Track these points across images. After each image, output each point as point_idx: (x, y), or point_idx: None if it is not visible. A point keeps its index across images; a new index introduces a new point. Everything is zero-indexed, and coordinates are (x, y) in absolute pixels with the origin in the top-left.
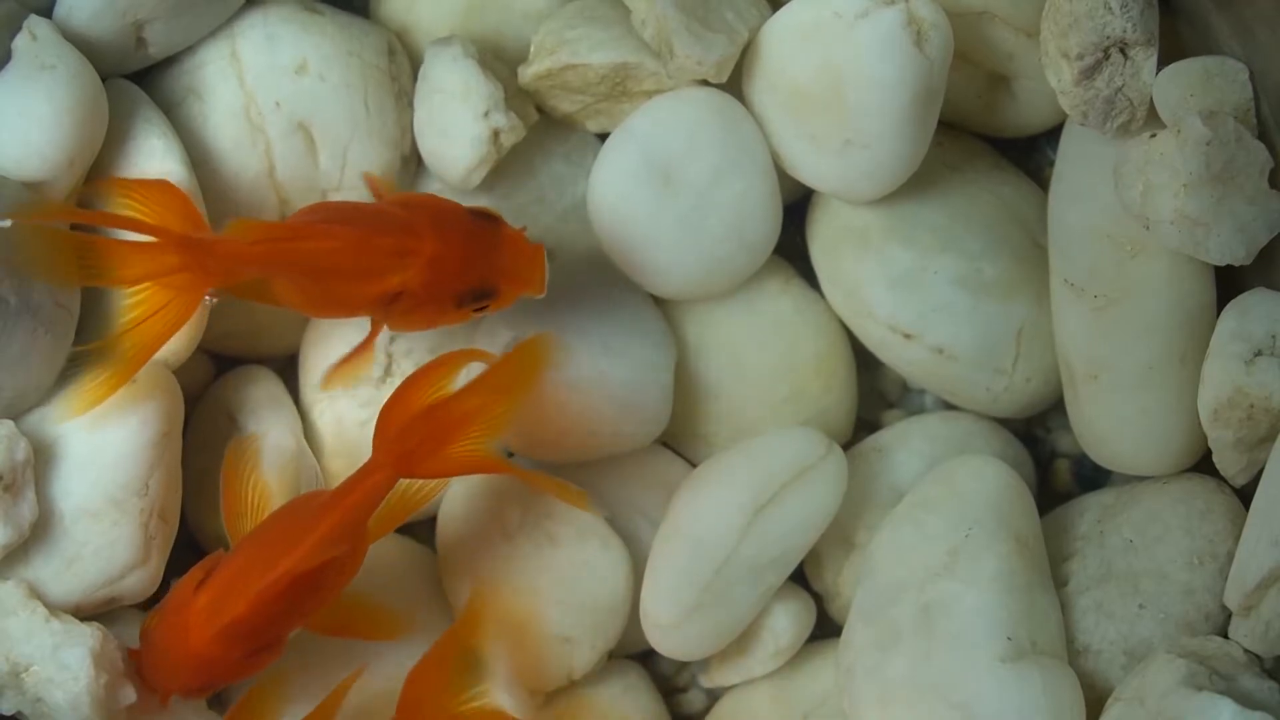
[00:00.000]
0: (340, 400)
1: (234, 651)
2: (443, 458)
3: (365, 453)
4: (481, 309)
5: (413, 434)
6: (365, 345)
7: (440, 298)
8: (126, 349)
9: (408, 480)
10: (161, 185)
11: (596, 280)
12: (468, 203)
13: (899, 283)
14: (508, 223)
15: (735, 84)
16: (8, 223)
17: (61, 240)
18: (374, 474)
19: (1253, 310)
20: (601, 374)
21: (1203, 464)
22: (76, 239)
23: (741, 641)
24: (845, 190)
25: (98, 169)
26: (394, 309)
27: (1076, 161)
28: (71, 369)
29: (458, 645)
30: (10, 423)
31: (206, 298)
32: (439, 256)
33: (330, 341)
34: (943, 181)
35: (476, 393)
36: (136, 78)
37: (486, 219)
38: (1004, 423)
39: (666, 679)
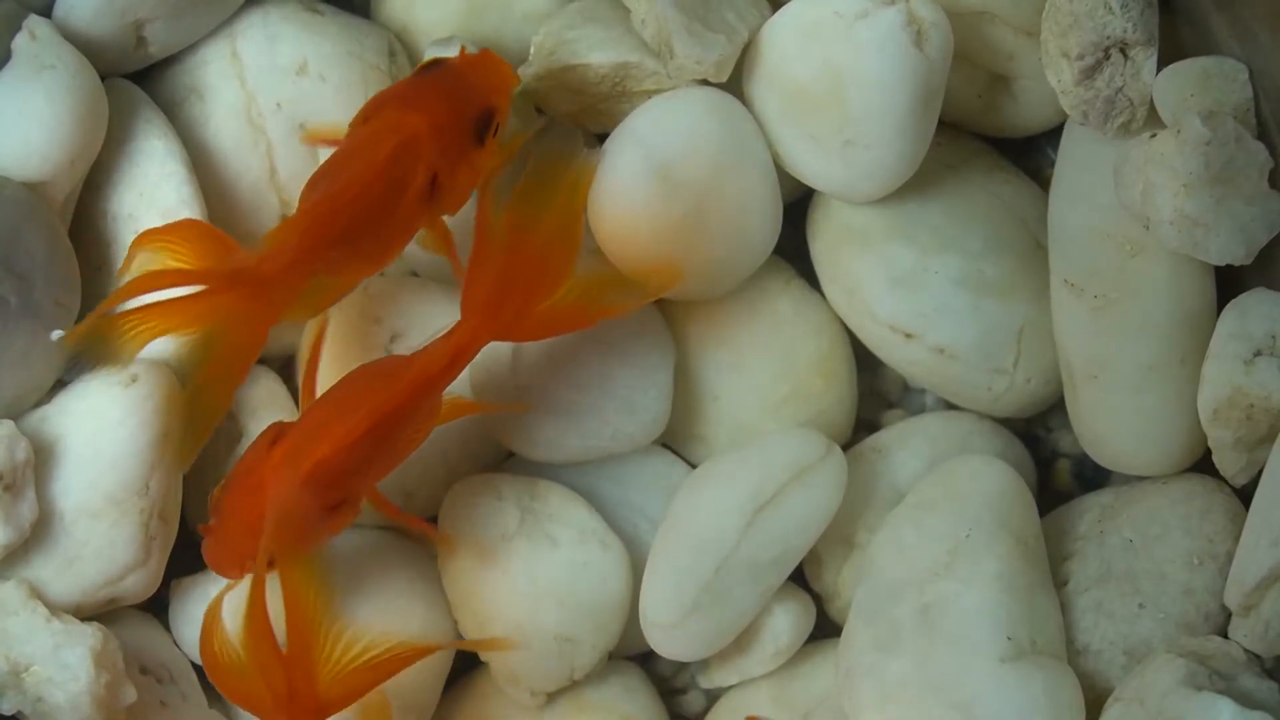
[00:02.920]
0: None
1: (314, 502)
2: (533, 320)
3: None
4: (496, 131)
5: (500, 295)
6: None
7: (461, 150)
8: (205, 397)
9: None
10: (188, 224)
11: None
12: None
13: (899, 283)
14: (448, 56)
15: (735, 84)
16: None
17: (123, 325)
18: (461, 336)
19: (1252, 310)
20: (601, 374)
21: (1203, 464)
22: (136, 317)
23: (741, 642)
24: (845, 190)
25: (98, 169)
26: (437, 196)
27: (1076, 161)
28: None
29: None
30: (10, 423)
31: None
32: (433, 122)
33: (336, 339)
34: (943, 181)
35: (555, 238)
36: (136, 77)
37: (435, 66)
38: (1004, 423)
39: (666, 679)
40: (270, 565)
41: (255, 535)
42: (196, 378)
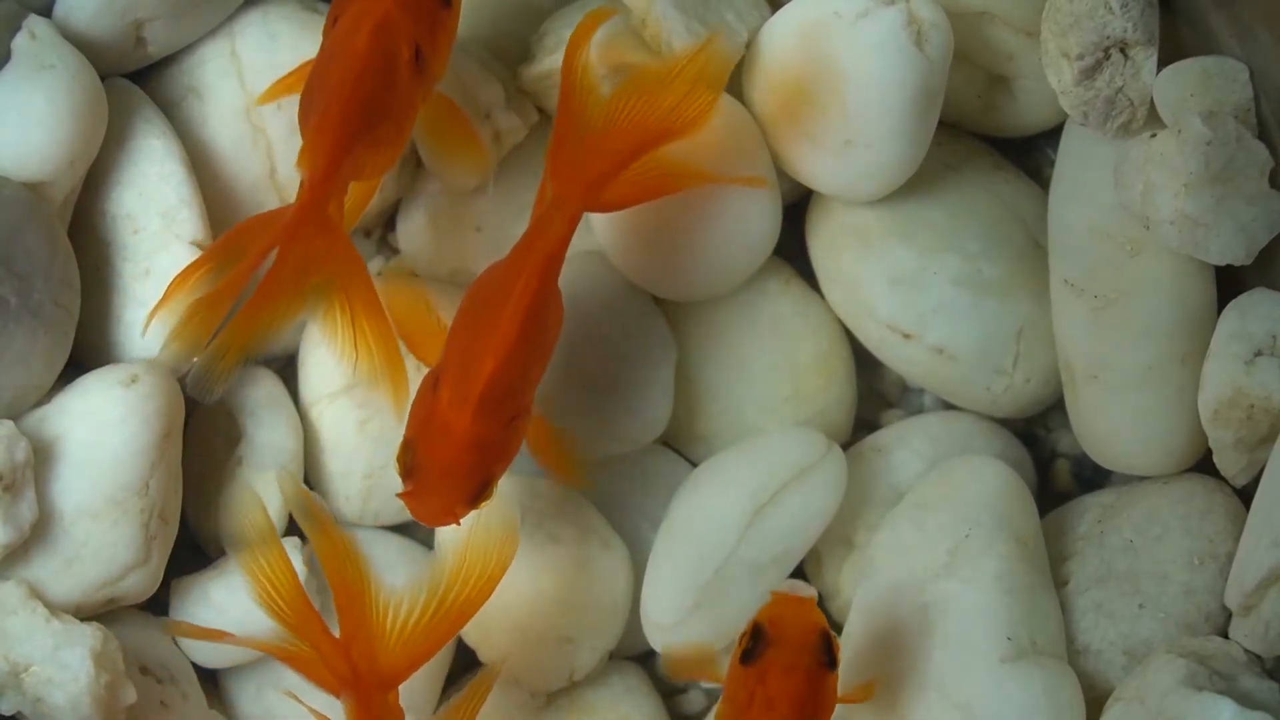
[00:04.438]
0: (340, 400)
1: (496, 423)
2: (624, 185)
3: (363, 452)
4: None
5: (590, 162)
6: (459, 118)
7: (433, 17)
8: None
9: None
10: (213, 247)
11: (597, 280)
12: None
13: (899, 283)
14: None
15: (735, 84)
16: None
17: (237, 335)
18: (559, 211)
19: (1253, 310)
20: (602, 374)
21: (1203, 464)
22: (242, 324)
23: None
24: (845, 190)
25: (97, 169)
26: (424, 66)
27: (1076, 161)
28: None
29: None
30: (10, 423)
31: None
32: None
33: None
34: (943, 181)
35: (640, 101)
36: (136, 77)
37: None
38: (1004, 423)
39: (666, 679)
40: (483, 499)
41: (457, 478)
42: (354, 336)
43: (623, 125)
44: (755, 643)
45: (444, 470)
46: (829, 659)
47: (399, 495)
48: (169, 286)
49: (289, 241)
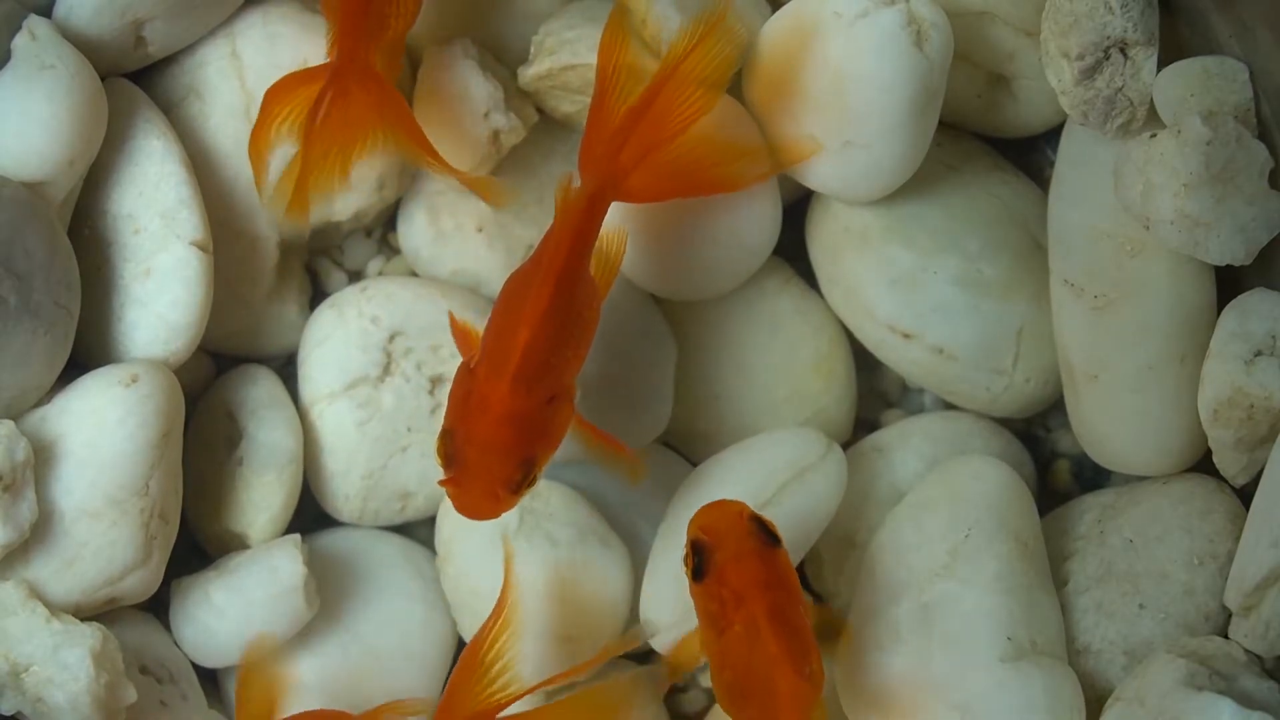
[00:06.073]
0: (340, 400)
1: (533, 398)
2: (653, 175)
3: (363, 452)
4: None
5: (617, 145)
6: None
7: None
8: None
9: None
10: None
11: None
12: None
13: (898, 283)
14: None
15: (735, 84)
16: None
17: (318, 175)
18: (582, 192)
19: (1253, 310)
20: (602, 373)
21: (1203, 464)
22: (319, 166)
23: None
24: (845, 190)
25: (97, 169)
26: None
27: (1076, 161)
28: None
29: (487, 643)
30: (10, 423)
31: None
32: None
33: (330, 342)
34: (942, 181)
35: (668, 85)
36: (136, 77)
37: None
38: (1004, 423)
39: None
40: (526, 486)
41: (496, 456)
42: (420, 160)
43: (648, 112)
44: (698, 556)
45: (483, 448)
46: (770, 537)
47: (440, 483)
48: (253, 162)
49: (339, 86)
